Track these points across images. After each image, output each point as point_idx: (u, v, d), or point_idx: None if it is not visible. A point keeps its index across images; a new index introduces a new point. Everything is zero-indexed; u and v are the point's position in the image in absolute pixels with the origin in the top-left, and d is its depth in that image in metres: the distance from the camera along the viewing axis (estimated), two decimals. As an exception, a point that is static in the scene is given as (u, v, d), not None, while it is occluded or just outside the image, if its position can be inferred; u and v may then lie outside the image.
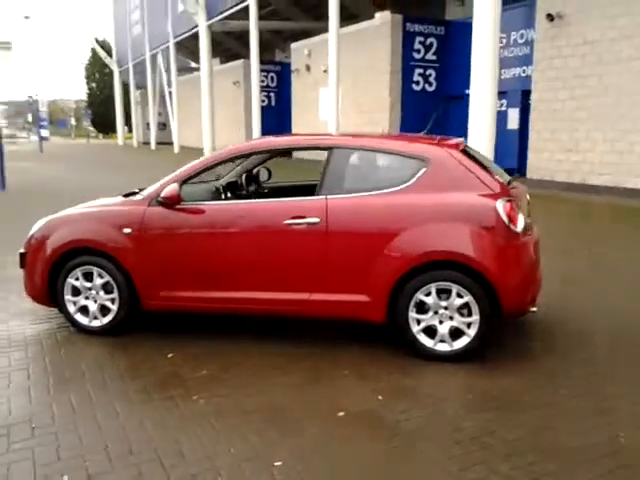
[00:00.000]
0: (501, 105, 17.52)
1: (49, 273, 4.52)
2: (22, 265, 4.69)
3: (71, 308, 4.55)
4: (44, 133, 65.16)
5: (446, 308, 3.98)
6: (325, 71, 18.42)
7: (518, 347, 4.34)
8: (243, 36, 27.64)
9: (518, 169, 15.99)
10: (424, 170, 4.09)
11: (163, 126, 38.54)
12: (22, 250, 4.69)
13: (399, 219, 4.03)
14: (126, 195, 4.72)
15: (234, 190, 5.30)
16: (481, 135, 12.12)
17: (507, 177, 4.50)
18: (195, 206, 4.34)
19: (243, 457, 2.86)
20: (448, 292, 3.95)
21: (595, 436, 3.06)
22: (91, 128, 76.83)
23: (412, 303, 4.00)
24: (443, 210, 4.01)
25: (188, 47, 35.07)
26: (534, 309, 4.32)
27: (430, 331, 4.04)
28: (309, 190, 4.37)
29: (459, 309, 3.97)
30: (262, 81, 28.81)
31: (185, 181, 4.40)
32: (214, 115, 27.26)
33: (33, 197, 13.07)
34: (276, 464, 2.80)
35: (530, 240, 4.18)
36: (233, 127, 30.29)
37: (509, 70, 17.05)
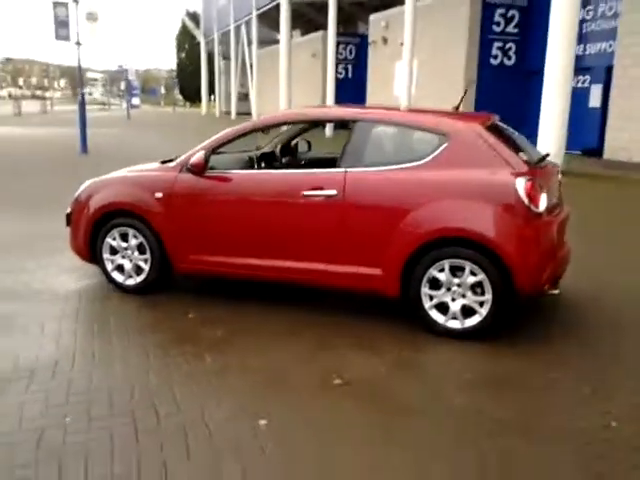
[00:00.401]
0: (584, 82, 16.67)
1: (90, 232, 4.84)
2: (68, 224, 5.04)
3: (109, 266, 4.85)
4: (135, 101, 68.00)
5: (459, 285, 3.95)
6: (402, 44, 18.06)
7: (538, 329, 4.24)
8: (325, 7, 27.52)
9: (596, 149, 15.23)
10: (445, 146, 4.04)
11: (244, 97, 39.14)
12: (69, 210, 5.03)
13: (415, 194, 4.02)
14: (163, 162, 4.94)
15: (270, 161, 5.42)
16: (554, 113, 11.65)
17: (538, 156, 4.37)
18: (221, 174, 4.49)
19: (232, 414, 3.02)
20: (462, 269, 3.92)
21: (585, 422, 3.00)
22: (179, 97, 79.34)
23: (425, 279, 4.00)
24: (461, 187, 3.96)
25: (272, 19, 35.31)
26: (556, 291, 4.23)
27: (442, 308, 4.03)
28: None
29: (472, 287, 3.93)
30: (340, 53, 28.74)
31: (214, 149, 4.55)
32: (292, 87, 27.43)
33: (111, 160, 13.70)
34: (261, 422, 2.93)
35: (554, 221, 4.08)
36: (311, 99, 30.33)
37: (594, 45, 16.14)
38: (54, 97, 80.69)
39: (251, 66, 35.10)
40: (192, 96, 73.93)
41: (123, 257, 4.80)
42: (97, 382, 3.32)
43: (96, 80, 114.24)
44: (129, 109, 38.99)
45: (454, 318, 4.01)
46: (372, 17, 24.40)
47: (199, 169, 4.44)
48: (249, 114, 35.50)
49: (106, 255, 4.84)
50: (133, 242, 4.73)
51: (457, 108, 4.57)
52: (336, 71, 28.52)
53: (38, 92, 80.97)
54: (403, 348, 3.87)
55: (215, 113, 47.97)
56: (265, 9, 31.80)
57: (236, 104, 39.19)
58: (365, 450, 2.74)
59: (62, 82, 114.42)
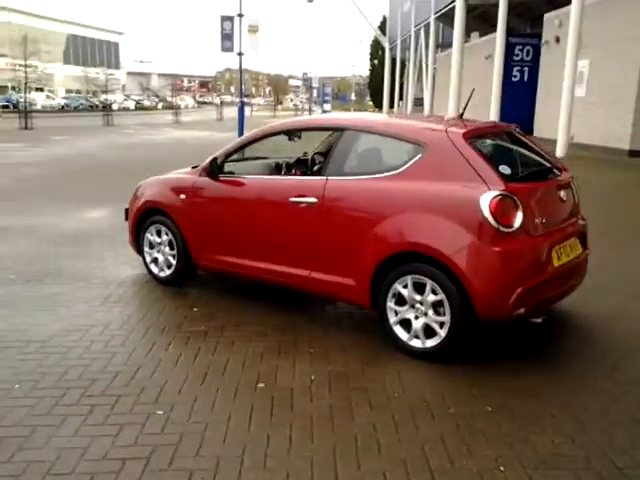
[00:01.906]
0: None
1: (135, 227, 5.47)
2: (126, 218, 5.72)
3: (148, 258, 5.44)
4: (327, 107, 71.29)
5: (422, 303, 3.81)
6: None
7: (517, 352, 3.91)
8: (511, 6, 26.29)
9: None
10: (419, 156, 3.92)
11: (420, 101, 39.01)
12: (127, 206, 5.72)
13: (385, 206, 3.95)
14: (194, 167, 5.39)
15: (303, 167, 5.59)
16: None
17: (545, 169, 4.07)
18: (231, 179, 4.80)
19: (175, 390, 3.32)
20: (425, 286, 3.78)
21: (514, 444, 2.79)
22: (370, 102, 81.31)
23: (391, 293, 3.92)
24: (427, 200, 3.81)
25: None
26: (537, 320, 3.86)
27: (407, 325, 3.91)
28: None
29: (434, 306, 3.76)
30: (516, 55, 27.34)
31: (228, 155, 4.87)
32: (462, 90, 26.77)
33: None
34: (158, 412, 3.17)
35: (540, 241, 3.73)
36: (483, 103, 29.35)
37: None
38: (258, 103, 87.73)
39: (427, 70, 34.86)
40: (382, 102, 75.50)
41: (158, 251, 5.34)
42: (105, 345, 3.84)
43: (298, 87, 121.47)
44: (311, 114, 40.99)
45: (416, 337, 3.87)
46: (547, 16, 22.87)
47: (207, 172, 4.79)
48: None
49: (146, 249, 5.42)
50: (164, 238, 5.24)
51: (461, 115, 4.34)
52: (510, 74, 27.31)
53: (245, 99, 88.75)
54: (352, 361, 3.82)
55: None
56: (443, 11, 31.37)
57: (412, 109, 39.20)
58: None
59: (267, 90, 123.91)
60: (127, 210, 5.70)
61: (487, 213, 3.55)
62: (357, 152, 4.31)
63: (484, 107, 25.74)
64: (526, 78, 26.96)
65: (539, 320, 3.90)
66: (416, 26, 37.37)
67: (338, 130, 4.41)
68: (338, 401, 3.32)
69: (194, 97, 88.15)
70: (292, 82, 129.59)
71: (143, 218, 5.39)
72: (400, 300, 3.90)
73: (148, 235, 5.37)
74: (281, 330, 4.31)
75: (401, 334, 3.93)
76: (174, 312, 4.69)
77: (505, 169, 3.81)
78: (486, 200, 3.56)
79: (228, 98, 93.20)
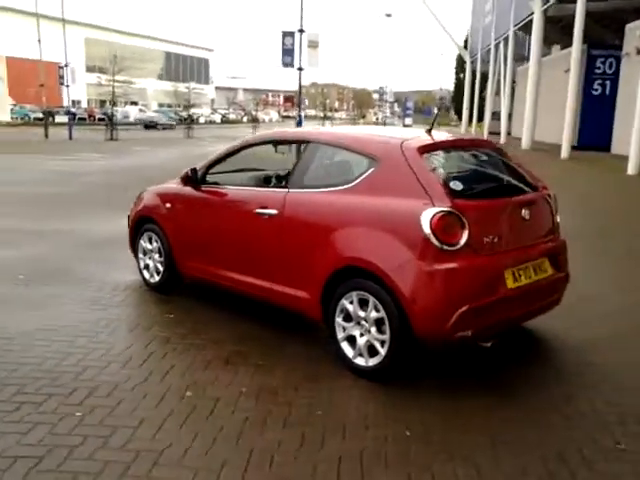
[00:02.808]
0: None
1: (132, 234, 5.66)
2: (128, 225, 5.94)
3: (141, 264, 5.61)
4: (407, 120, 70.90)
5: (366, 320, 3.70)
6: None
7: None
8: (596, 16, 25.18)
9: None
10: (372, 170, 3.83)
11: (498, 115, 37.96)
12: (129, 213, 5.93)
13: (334, 219, 3.89)
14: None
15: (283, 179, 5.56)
16: None
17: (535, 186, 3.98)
18: (212, 188, 4.86)
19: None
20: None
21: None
22: (454, 116, 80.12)
23: (339, 309, 3.84)
24: (373, 215, 3.71)
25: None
26: (486, 344, 3.66)
27: (354, 342, 3.81)
28: None
29: (377, 324, 3.65)
30: (598, 68, 26.15)
31: (210, 166, 4.94)
32: (543, 104, 25.88)
33: None
34: (77, 414, 3.27)
35: (490, 261, 3.53)
36: (562, 117, 28.21)
37: None
38: (340, 117, 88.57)
39: (504, 83, 33.92)
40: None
41: (149, 258, 5.50)
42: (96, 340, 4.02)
43: (385, 101, 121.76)
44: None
45: (361, 355, 3.76)
46: (629, 26, 21.70)
47: (184, 182, 4.90)
48: (512, 135, 34.30)
49: (140, 255, 5.60)
50: (154, 245, 5.39)
51: (430, 130, 4.19)
52: (591, 87, 26.14)
53: (328, 113, 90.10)
54: (294, 377, 3.76)
55: (470, 132, 47.34)
56: (522, 23, 30.49)
57: (489, 123, 38.22)
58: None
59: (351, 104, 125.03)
60: (129, 217, 5.91)
61: (427, 230, 3.41)
62: (317, 165, 4.27)
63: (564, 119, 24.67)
64: (608, 91, 25.68)
65: (488, 344, 3.69)
66: (496, 39, 36.57)
67: (303, 143, 4.39)
68: (257, 414, 3.28)
69: (279, 111, 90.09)
70: (376, 96, 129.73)
71: (138, 225, 5.57)
72: (347, 316, 3.81)
73: (142, 242, 5.54)
74: (240, 340, 4.31)
75: (348, 351, 3.83)
76: (149, 316, 4.82)
77: (457, 185, 3.65)
78: (427, 216, 3.43)
79: (312, 112, 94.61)
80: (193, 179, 4.87)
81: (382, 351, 3.62)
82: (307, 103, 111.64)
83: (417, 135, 4.10)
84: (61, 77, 33.74)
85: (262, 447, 2.96)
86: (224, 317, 4.77)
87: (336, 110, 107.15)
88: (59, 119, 48.39)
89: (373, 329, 3.66)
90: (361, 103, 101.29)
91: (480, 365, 4.00)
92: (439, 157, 3.90)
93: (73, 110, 54.87)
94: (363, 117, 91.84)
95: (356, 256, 3.70)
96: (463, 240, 3.45)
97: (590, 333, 4.57)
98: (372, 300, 3.62)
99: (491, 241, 3.58)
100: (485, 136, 38.20)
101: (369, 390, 3.59)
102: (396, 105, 69.63)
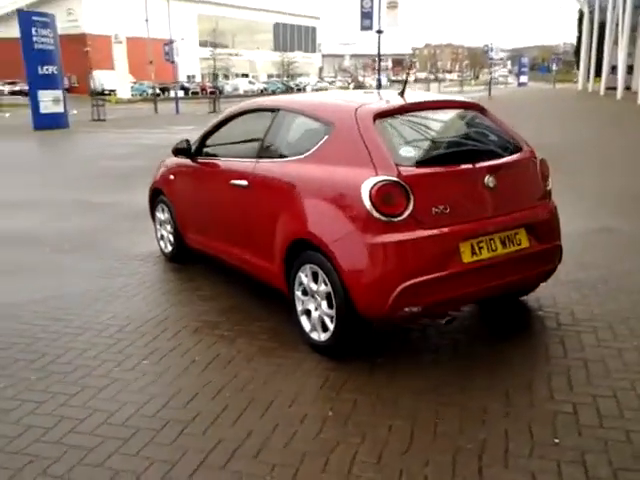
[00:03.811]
0: None
1: (150, 205, 5.87)
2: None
3: (158, 234, 5.81)
4: (523, 79, 67.02)
5: (317, 294, 3.61)
6: None
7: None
8: None
9: None
10: (326, 137, 3.67)
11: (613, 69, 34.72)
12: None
13: (290, 191, 3.78)
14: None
15: None
16: None
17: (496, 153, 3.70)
18: (205, 160, 4.89)
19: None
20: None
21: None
22: (577, 71, 74.55)
23: (297, 281, 3.76)
24: (323, 186, 3.57)
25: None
26: (441, 320, 3.44)
27: (309, 316, 3.73)
28: None
29: (327, 298, 3.53)
30: None
31: (205, 137, 4.95)
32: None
33: None
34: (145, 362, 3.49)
35: (433, 234, 3.28)
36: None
37: None
38: (451, 79, 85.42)
39: (622, 33, 30.85)
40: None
41: (164, 229, 5.68)
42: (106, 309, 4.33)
43: (501, 59, 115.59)
44: (490, 89, 38.89)
45: (315, 329, 3.67)
46: None
47: (174, 153, 4.95)
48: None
49: (157, 225, 5.80)
50: (166, 216, 5.56)
51: (402, 93, 3.92)
52: None
53: (439, 75, 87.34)
54: (252, 348, 3.76)
55: (587, 89, 43.76)
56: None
57: (607, 78, 35.10)
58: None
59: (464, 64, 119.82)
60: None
61: (367, 201, 3.23)
62: (284, 134, 4.15)
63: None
64: None
65: (442, 321, 3.46)
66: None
67: (273, 111, 4.28)
68: (194, 385, 3.31)
69: (388, 75, 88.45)
70: (495, 55, 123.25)
71: (153, 196, 5.76)
72: (305, 289, 3.73)
73: (157, 213, 5.73)
74: (223, 312, 4.35)
75: (305, 325, 3.75)
76: (150, 286, 4.98)
77: (408, 152, 3.42)
78: (367, 187, 3.24)
79: (422, 75, 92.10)
80: (182, 150, 4.91)
81: (331, 327, 3.52)
82: (418, 65, 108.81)
83: (382, 99, 3.87)
84: (167, 54, 35.10)
85: (177, 418, 2.99)
86: (223, 290, 4.81)
87: (449, 72, 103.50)
88: (174, 94, 50.78)
89: (324, 303, 3.55)
90: (475, 63, 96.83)
91: (439, 341, 3.78)
92: (398, 122, 3.64)
93: (187, 85, 57.53)
94: (476, 78, 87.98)
95: (304, 229, 3.60)
96: (407, 211, 3.23)
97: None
98: (321, 274, 3.51)
99: (442, 212, 3.31)
100: (602, 92, 35.29)
101: (316, 366, 3.49)
102: (509, 63, 65.69)
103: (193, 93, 55.89)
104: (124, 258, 5.75)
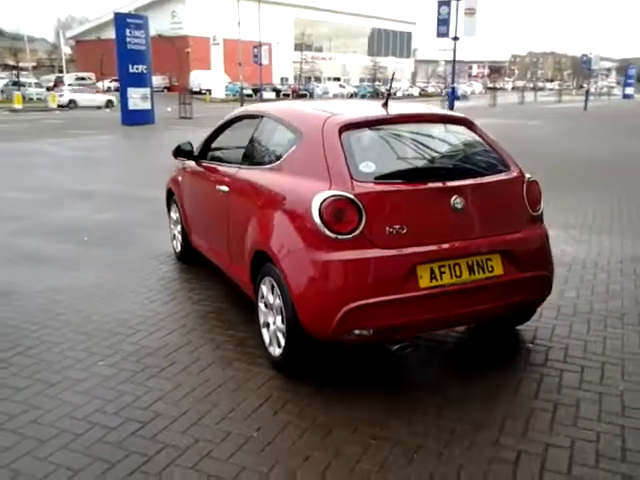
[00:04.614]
0: None
1: (167, 205, 5.96)
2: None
3: (171, 234, 5.89)
4: (629, 91, 63.14)
5: (273, 308, 3.49)
6: None
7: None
8: None
9: None
10: (294, 147, 3.55)
11: None
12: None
13: (257, 200, 3.70)
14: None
15: None
16: None
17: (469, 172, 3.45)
18: (206, 164, 4.88)
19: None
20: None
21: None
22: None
23: (260, 293, 3.66)
24: (281, 197, 3.46)
25: None
26: (393, 347, 3.21)
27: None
28: None
29: (281, 313, 3.40)
30: None
31: (206, 142, 4.94)
32: None
33: None
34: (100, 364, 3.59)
35: (385, 254, 3.07)
36: None
37: None
38: (552, 88, 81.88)
39: None
40: None
41: (175, 228, 5.74)
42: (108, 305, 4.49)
43: (608, 70, 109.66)
44: (587, 100, 36.86)
45: (272, 344, 3.55)
46: None
47: (174, 155, 4.94)
48: None
49: (171, 225, 5.87)
50: (176, 216, 5.62)
51: (386, 103, 3.71)
52: None
53: (539, 84, 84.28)
54: (212, 356, 3.69)
55: None
56: None
57: None
58: None
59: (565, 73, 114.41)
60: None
61: (316, 216, 3.07)
62: (263, 141, 4.07)
63: None
64: None
65: (393, 348, 3.23)
66: None
67: (258, 118, 4.20)
68: (138, 390, 3.30)
69: (484, 83, 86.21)
70: (603, 64, 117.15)
71: (168, 196, 5.85)
72: (266, 302, 3.62)
73: (171, 213, 5.81)
74: (203, 317, 4.34)
75: (266, 338, 3.64)
76: (155, 281, 5.04)
77: (368, 167, 3.22)
78: (318, 201, 3.08)
79: (521, 83, 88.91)
80: (182, 152, 4.91)
81: (282, 342, 3.39)
82: (516, 73, 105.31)
83: (359, 110, 3.69)
84: (255, 56, 35.93)
85: (104, 424, 2.97)
86: (214, 294, 4.78)
87: (550, 80, 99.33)
88: (266, 95, 51.87)
89: (278, 318, 3.42)
90: (578, 72, 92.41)
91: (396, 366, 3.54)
92: (368, 135, 3.45)
93: (278, 87, 58.69)
94: (580, 87, 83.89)
95: (263, 240, 3.49)
96: (359, 230, 3.05)
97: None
98: (275, 287, 3.39)
99: (398, 232, 3.09)
100: None
101: (264, 383, 3.36)
102: (614, 74, 62.15)
103: (284, 95, 56.85)
104: (144, 255, 5.85)
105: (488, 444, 2.81)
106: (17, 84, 42.04)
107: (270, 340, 3.56)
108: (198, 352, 3.76)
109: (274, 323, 3.50)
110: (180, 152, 4.91)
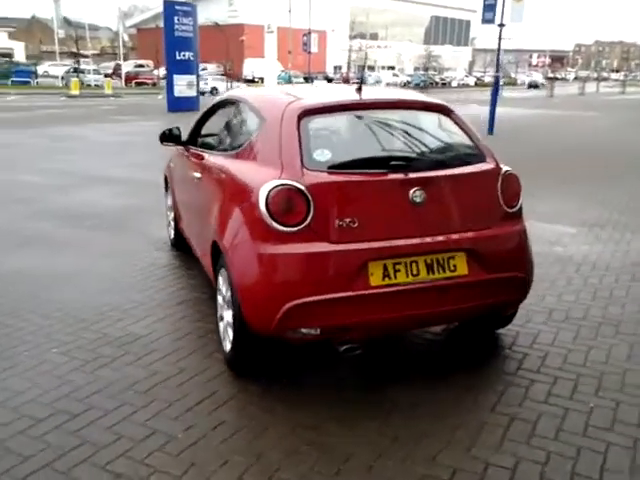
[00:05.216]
0: None
1: (165, 191, 5.91)
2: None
3: (166, 221, 5.83)
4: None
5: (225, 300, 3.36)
6: None
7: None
8: None
9: None
10: (257, 133, 3.39)
11: None
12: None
13: (219, 187, 3.57)
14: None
15: None
16: None
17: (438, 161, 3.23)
18: (193, 151, 4.76)
19: None
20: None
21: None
22: None
23: (217, 285, 3.53)
24: (234, 186, 3.31)
25: None
26: (341, 348, 3.03)
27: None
28: None
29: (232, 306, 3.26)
30: None
31: (195, 128, 4.81)
32: None
33: (504, 142, 13.94)
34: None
35: (334, 249, 2.88)
36: None
37: None
38: (616, 79, 78.39)
39: None
40: None
41: (169, 215, 5.68)
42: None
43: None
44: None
45: (224, 339, 3.42)
46: None
47: (160, 139, 4.81)
48: None
49: (167, 212, 5.81)
50: (170, 203, 5.55)
51: (360, 88, 3.46)
52: None
53: (604, 74, 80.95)
54: (166, 347, 3.59)
55: None
56: None
57: None
58: None
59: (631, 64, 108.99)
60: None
61: (262, 206, 2.91)
62: (234, 127, 3.93)
63: None
64: None
65: (340, 349, 3.04)
66: None
67: (234, 103, 4.05)
68: (87, 380, 3.23)
69: (545, 72, 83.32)
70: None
71: (165, 184, 5.79)
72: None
73: (168, 200, 5.75)
74: (178, 303, 4.26)
75: (221, 332, 3.52)
76: (141, 269, 4.99)
77: (323, 155, 3.02)
78: (265, 190, 2.91)
79: (584, 73, 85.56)
80: (168, 137, 4.78)
81: (231, 337, 3.25)
82: (579, 63, 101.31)
83: (330, 94, 3.50)
84: (304, 44, 35.75)
85: (32, 415, 2.91)
86: (197, 282, 4.70)
87: (615, 71, 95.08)
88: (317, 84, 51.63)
89: (229, 312, 3.28)
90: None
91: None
92: (330, 121, 3.23)
93: (330, 75, 58.39)
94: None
95: (216, 229, 3.35)
96: (306, 222, 2.87)
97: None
98: (227, 280, 3.25)
99: (348, 225, 2.89)
100: None
101: (211, 379, 3.24)
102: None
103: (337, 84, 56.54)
104: (142, 241, 5.83)
105: (424, 459, 2.59)
106: (76, 71, 43.26)
107: (223, 335, 3.43)
108: (157, 342, 3.67)
109: (226, 317, 3.36)
110: (166, 137, 4.78)
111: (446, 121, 3.43)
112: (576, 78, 78.27)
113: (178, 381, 3.22)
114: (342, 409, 2.97)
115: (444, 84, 61.24)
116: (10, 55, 63.05)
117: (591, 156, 12.10)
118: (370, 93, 3.51)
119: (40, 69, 47.19)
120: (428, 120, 3.46)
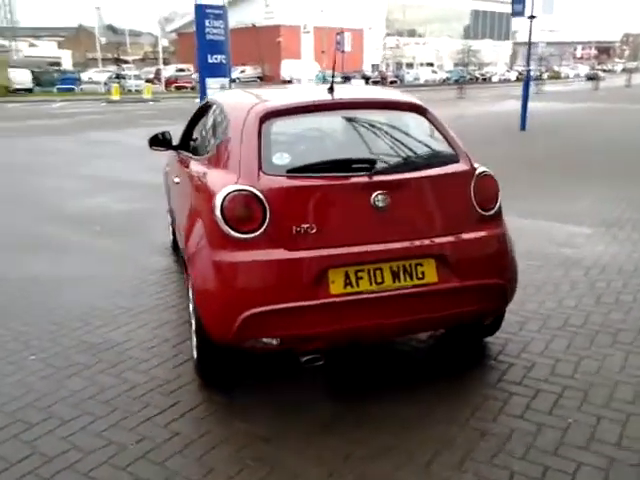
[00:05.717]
0: None
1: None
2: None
3: (167, 223, 5.83)
4: None
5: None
6: None
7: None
8: None
9: None
10: (224, 137, 3.31)
11: None
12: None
13: (188, 193, 3.51)
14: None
15: None
16: None
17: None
18: (181, 155, 4.71)
19: None
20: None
21: None
22: None
23: (188, 293, 3.46)
24: (199, 190, 3.24)
25: None
26: (302, 358, 2.92)
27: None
28: None
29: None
30: None
31: (185, 131, 4.76)
32: None
33: (540, 136, 13.73)
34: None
35: (291, 257, 2.77)
36: None
37: None
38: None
39: None
40: None
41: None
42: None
43: None
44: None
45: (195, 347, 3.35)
46: None
47: (149, 144, 4.76)
48: None
49: (168, 215, 5.80)
50: (169, 206, 5.53)
51: (331, 88, 3.33)
52: None
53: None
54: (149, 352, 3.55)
55: None
56: None
57: None
58: None
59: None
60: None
61: (218, 212, 2.82)
62: (208, 131, 3.84)
63: None
64: None
65: (302, 359, 2.92)
66: None
67: (211, 107, 3.97)
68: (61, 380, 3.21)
69: (592, 65, 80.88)
70: None
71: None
72: (195, 301, 3.42)
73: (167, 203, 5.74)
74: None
75: (193, 340, 3.45)
76: (135, 273, 4.98)
77: (282, 159, 2.92)
78: (221, 196, 2.83)
79: (633, 64, 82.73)
80: (156, 142, 4.72)
81: (194, 345, 3.19)
82: (626, 54, 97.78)
83: (297, 95, 3.39)
84: (338, 43, 35.60)
85: (-2, 422, 2.90)
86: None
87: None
88: (354, 82, 51.44)
89: (194, 320, 3.22)
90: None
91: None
92: (292, 124, 3.11)
93: (368, 74, 58.01)
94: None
95: (183, 236, 3.30)
96: (262, 228, 2.77)
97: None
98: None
99: (306, 232, 2.77)
100: None
101: (181, 387, 3.18)
102: None
103: (374, 82, 56.10)
104: (144, 246, 5.84)
105: (378, 477, 2.46)
106: (118, 77, 44.23)
107: (194, 342, 3.36)
108: (132, 350, 3.63)
109: (193, 325, 3.30)
110: (155, 142, 4.74)
111: (420, 121, 3.27)
112: (624, 70, 75.71)
113: (144, 390, 3.16)
114: (304, 422, 2.86)
115: (484, 79, 60.11)
116: (58, 63, 64.89)
117: (622, 152, 11.60)
118: (341, 93, 3.38)
119: (84, 76, 48.38)
120: (400, 120, 3.31)
